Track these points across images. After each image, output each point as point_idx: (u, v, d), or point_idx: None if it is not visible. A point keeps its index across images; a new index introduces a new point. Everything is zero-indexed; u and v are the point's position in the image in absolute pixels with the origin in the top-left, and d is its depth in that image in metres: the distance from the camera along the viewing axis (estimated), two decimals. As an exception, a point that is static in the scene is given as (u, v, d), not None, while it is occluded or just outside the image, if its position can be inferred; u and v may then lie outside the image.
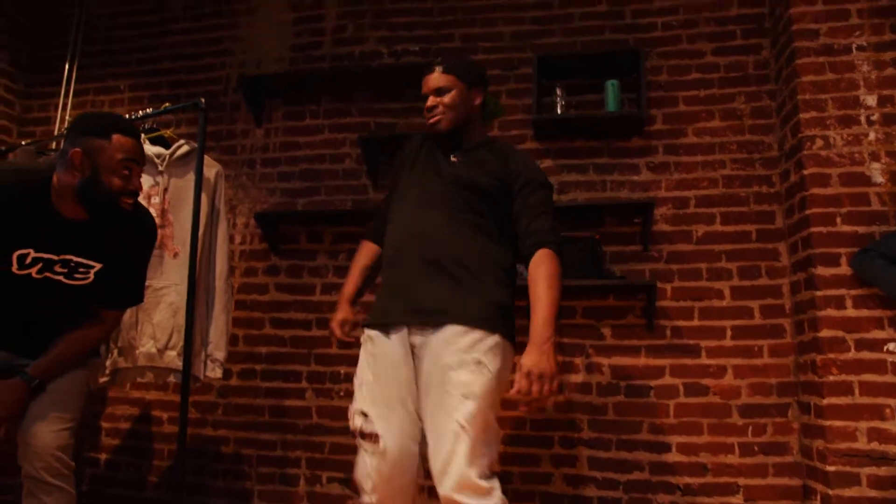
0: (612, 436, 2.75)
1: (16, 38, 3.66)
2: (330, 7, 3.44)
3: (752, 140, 2.91)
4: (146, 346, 2.45)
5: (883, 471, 2.33)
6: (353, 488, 1.85)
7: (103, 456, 3.14)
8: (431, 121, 1.94)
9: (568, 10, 3.19)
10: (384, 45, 3.34)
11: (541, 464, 2.77)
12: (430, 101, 1.93)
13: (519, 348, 1.76)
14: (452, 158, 1.96)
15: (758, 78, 2.96)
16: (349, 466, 2.20)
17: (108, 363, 2.44)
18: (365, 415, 1.76)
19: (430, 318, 1.76)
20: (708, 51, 3.02)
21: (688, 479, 2.66)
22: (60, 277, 1.95)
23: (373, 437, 1.73)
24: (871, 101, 2.62)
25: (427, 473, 1.72)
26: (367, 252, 2.11)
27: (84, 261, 1.96)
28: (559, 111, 2.92)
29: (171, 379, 2.49)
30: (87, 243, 1.95)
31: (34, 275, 1.92)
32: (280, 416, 3.03)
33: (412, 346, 1.79)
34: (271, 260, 3.20)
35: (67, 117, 3.52)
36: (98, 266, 1.98)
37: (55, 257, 1.91)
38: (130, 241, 2.03)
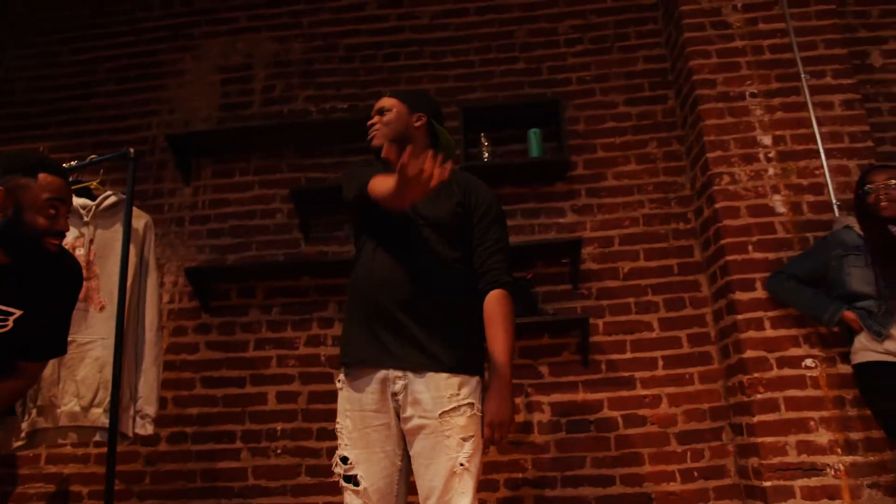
0: (557, 473, 2.74)
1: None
2: (258, 68, 3.52)
3: (666, 181, 3.11)
4: (69, 405, 2.30)
5: (814, 481, 2.42)
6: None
7: (13, 541, 2.87)
8: (369, 137, 1.97)
9: (489, 68, 3.38)
10: (312, 104, 3.42)
11: (488, 508, 2.72)
12: (372, 119, 1.98)
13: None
14: None
15: (667, 125, 3.20)
16: None
17: (24, 424, 2.26)
18: (346, 459, 1.76)
19: (410, 364, 1.75)
20: (620, 101, 3.26)
21: (633, 511, 2.67)
22: (-23, 326, 1.84)
23: (354, 480, 1.74)
24: (767, 140, 2.88)
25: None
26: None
27: (3, 307, 1.86)
28: (486, 158, 3.05)
29: (97, 437, 2.33)
30: (8, 288, 1.85)
31: (-52, 322, 1.80)
32: (213, 480, 2.87)
33: (393, 392, 1.77)
34: (201, 318, 3.11)
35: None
36: (18, 313, 1.88)
37: (-28, 304, 1.81)
38: (54, 286, 1.95)
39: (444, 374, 1.73)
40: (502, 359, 1.75)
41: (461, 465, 1.65)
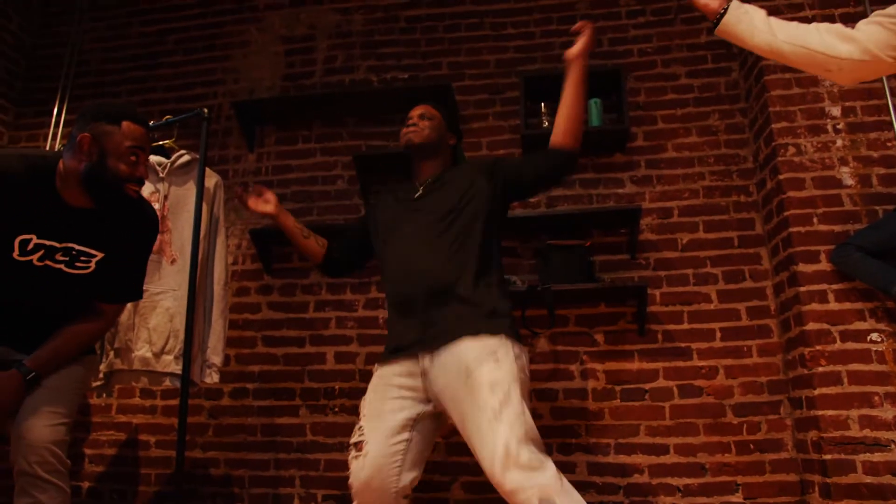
0: (610, 440, 2.75)
1: (10, 73, 3.72)
2: (321, 39, 3.59)
3: (727, 153, 3.06)
4: (142, 350, 2.41)
5: (877, 457, 2.38)
6: (349, 505, 1.90)
7: (86, 484, 3.02)
8: (408, 132, 2.13)
9: (549, 39, 3.37)
10: (374, 74, 3.48)
11: (540, 472, 2.74)
12: (414, 119, 2.15)
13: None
14: (416, 195, 2.09)
15: (730, 97, 3.15)
16: (344, 483, 2.18)
17: (102, 365, 2.39)
18: (360, 429, 1.88)
19: (438, 341, 1.84)
20: (682, 73, 3.22)
21: (687, 480, 2.66)
22: (61, 266, 1.94)
23: (360, 445, 1.85)
24: (836, 111, 2.81)
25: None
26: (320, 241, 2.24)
27: (86, 249, 1.95)
28: (545, 126, 3.05)
29: (167, 382, 2.44)
30: (91, 232, 1.95)
31: (35, 262, 1.90)
32: (273, 435, 2.97)
33: (422, 371, 1.86)
34: (264, 279, 3.21)
35: (57, 147, 3.54)
36: (100, 255, 1.98)
37: (57, 244, 1.91)
38: (133, 231, 2.04)
39: (468, 340, 1.78)
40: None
41: (494, 411, 1.65)
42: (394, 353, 1.92)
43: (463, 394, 1.73)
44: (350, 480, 1.85)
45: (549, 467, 1.60)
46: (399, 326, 1.95)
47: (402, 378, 1.89)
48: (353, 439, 1.88)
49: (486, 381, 1.71)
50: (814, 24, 1.58)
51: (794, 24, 1.59)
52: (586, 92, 1.99)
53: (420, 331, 1.87)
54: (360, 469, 1.82)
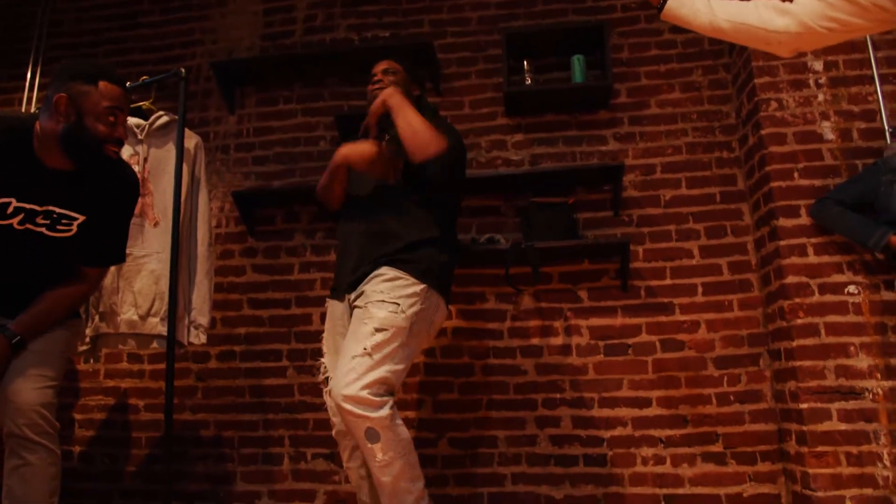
0: (594, 394, 2.80)
1: (-21, 34, 3.63)
2: (300, -3, 3.52)
3: (710, 110, 3.06)
4: (127, 314, 2.41)
5: (851, 404, 2.44)
6: (339, 462, 2.06)
7: (77, 448, 3.04)
8: (374, 89, 2.27)
9: (532, -5, 3.33)
10: (354, 32, 3.42)
11: (525, 426, 2.80)
12: (378, 75, 2.31)
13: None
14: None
15: (713, 52, 3.13)
16: (334, 442, 2.27)
17: (88, 329, 2.39)
18: (323, 364, 2.16)
19: (365, 274, 2.07)
20: (665, 29, 3.19)
21: (669, 432, 2.72)
22: (42, 229, 1.93)
23: (326, 382, 2.08)
24: (818, 66, 2.80)
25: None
26: None
27: (67, 212, 1.94)
28: (528, 83, 3.03)
29: (154, 345, 2.45)
30: (71, 194, 1.94)
31: (15, 226, 1.89)
32: (261, 396, 3.00)
33: (352, 303, 2.09)
34: (248, 242, 3.20)
35: (32, 110, 3.48)
36: (81, 218, 1.97)
37: (38, 208, 1.90)
38: (114, 193, 2.03)
39: (388, 270, 2.01)
40: None
41: (364, 348, 1.87)
42: (335, 291, 2.22)
43: (357, 316, 1.99)
44: (331, 421, 2.11)
45: (386, 406, 1.85)
46: (339, 270, 2.23)
47: (341, 307, 2.17)
48: (321, 376, 2.14)
49: (376, 322, 1.93)
50: (752, 0, 1.59)
51: (734, 1, 1.60)
52: (403, 112, 2.09)
53: (352, 272, 2.11)
54: (330, 403, 2.06)
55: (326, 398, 2.11)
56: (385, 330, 1.90)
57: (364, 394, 1.81)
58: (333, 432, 2.17)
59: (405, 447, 1.87)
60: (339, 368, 1.88)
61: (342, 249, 2.23)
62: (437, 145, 2.04)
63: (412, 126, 2.05)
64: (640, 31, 3.21)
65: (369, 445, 1.82)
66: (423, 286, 2.02)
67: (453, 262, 2.22)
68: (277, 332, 3.07)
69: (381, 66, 2.32)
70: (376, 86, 2.26)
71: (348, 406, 1.81)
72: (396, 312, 1.93)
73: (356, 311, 2.00)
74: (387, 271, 2.02)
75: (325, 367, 2.16)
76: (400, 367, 1.91)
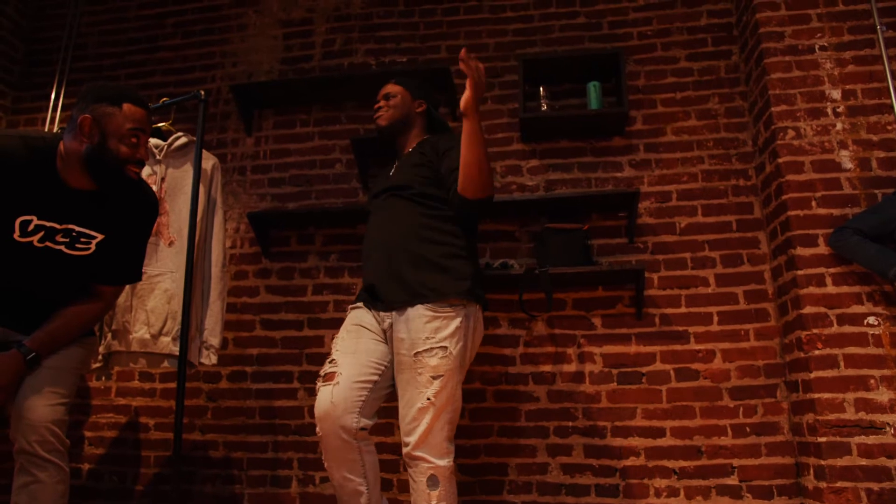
0: (607, 423, 2.76)
1: (7, 58, 3.71)
2: (319, 23, 3.57)
3: (727, 137, 3.06)
4: (140, 332, 2.42)
5: (871, 439, 2.39)
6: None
7: (86, 466, 3.04)
8: (375, 117, 2.33)
9: (548, 23, 3.35)
10: (372, 57, 3.46)
11: (537, 454, 2.76)
12: (379, 101, 2.34)
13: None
14: (391, 171, 2.28)
15: (730, 81, 3.13)
16: None
17: (100, 347, 2.40)
18: (332, 361, 2.03)
19: (395, 305, 2.04)
20: (682, 57, 3.20)
21: (683, 463, 2.67)
22: (61, 247, 1.95)
23: (331, 376, 1.99)
24: (836, 94, 2.79)
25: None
26: None
27: (87, 231, 1.97)
28: (544, 110, 3.04)
29: (166, 364, 2.45)
30: (91, 213, 1.96)
31: (35, 243, 1.91)
32: (271, 418, 2.99)
33: (383, 329, 2.10)
34: (262, 263, 3.21)
35: (55, 130, 3.54)
36: (100, 237, 1.99)
37: (58, 226, 1.92)
38: (134, 213, 2.05)
39: (424, 313, 1.97)
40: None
41: (428, 399, 1.91)
42: (361, 298, 2.19)
43: (406, 367, 1.98)
44: (316, 406, 1.96)
45: (451, 456, 1.95)
46: (364, 287, 2.20)
47: (373, 322, 2.12)
48: (326, 370, 2.02)
49: (429, 370, 1.94)
50: None
51: None
52: (479, 142, 1.96)
53: (381, 295, 2.10)
54: (331, 394, 1.94)
55: (322, 389, 1.97)
56: (441, 376, 1.94)
57: (438, 440, 1.92)
58: (317, 431, 2.01)
59: (455, 500, 1.96)
60: (405, 417, 1.95)
61: (366, 256, 2.21)
62: (491, 190, 2.04)
63: (481, 163, 1.96)
64: (656, 59, 3.22)
65: (427, 491, 1.90)
66: (460, 307, 2.01)
67: (479, 268, 2.21)
68: (289, 353, 3.06)
69: (383, 91, 2.36)
70: (378, 113, 2.32)
71: (419, 453, 1.91)
72: (447, 357, 1.96)
73: (404, 358, 1.98)
74: (424, 312, 1.98)
75: (334, 362, 2.03)
76: (459, 403, 2.01)
